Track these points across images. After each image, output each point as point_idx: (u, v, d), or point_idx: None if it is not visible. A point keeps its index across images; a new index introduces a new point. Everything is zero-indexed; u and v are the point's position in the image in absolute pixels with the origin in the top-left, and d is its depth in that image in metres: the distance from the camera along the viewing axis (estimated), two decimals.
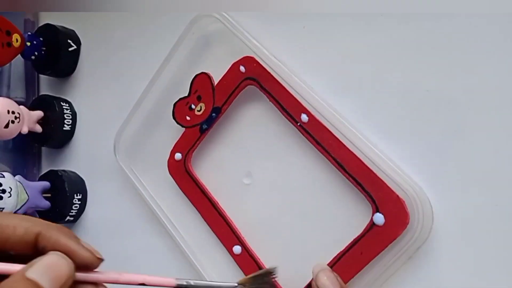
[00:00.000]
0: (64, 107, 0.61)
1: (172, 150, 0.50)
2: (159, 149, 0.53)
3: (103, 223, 0.58)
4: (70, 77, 0.64)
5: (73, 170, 0.61)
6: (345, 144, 0.39)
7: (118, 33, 0.59)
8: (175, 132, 0.50)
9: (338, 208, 0.41)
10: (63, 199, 0.58)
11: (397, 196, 0.36)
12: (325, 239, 0.42)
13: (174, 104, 0.48)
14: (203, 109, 0.47)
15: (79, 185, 0.60)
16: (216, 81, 0.47)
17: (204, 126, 0.48)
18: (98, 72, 0.61)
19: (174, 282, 0.34)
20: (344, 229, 0.40)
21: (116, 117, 0.56)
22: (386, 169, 0.37)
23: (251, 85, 0.46)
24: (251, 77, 0.45)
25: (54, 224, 0.33)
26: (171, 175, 0.50)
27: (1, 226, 0.32)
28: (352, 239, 0.39)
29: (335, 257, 0.40)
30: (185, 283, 0.34)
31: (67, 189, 0.58)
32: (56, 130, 0.60)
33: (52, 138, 0.61)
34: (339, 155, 0.40)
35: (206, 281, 0.39)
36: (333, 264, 0.40)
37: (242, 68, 0.45)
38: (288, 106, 0.43)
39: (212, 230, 0.48)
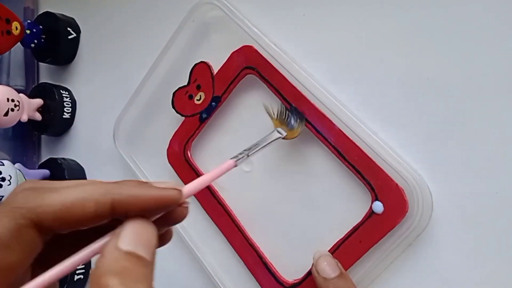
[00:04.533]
0: (63, 95, 0.61)
1: (171, 140, 0.50)
2: (159, 136, 0.52)
3: None
4: (69, 65, 0.64)
5: (73, 158, 0.61)
6: (344, 132, 0.39)
7: (118, 21, 0.59)
8: (175, 119, 0.50)
9: (338, 196, 0.41)
10: None
11: (396, 184, 0.36)
12: (325, 227, 0.42)
13: (174, 93, 0.48)
14: (203, 98, 0.47)
15: (78, 173, 0.60)
16: (216, 69, 0.46)
17: (204, 115, 0.48)
18: (98, 60, 0.61)
19: (233, 162, 0.35)
20: (344, 217, 0.40)
21: (116, 105, 0.56)
22: (386, 157, 0.37)
23: (250, 74, 0.45)
24: (250, 66, 0.45)
25: (118, 182, 0.30)
26: (170, 164, 0.50)
27: (64, 207, 0.28)
28: (351, 227, 0.39)
29: (334, 244, 0.40)
30: (242, 157, 0.36)
31: (66, 177, 0.58)
32: (56, 118, 0.60)
33: (51, 126, 0.61)
34: (338, 143, 0.40)
35: (257, 143, 0.39)
36: (332, 252, 0.40)
37: (241, 58, 0.45)
38: (287, 94, 0.42)
39: (211, 219, 0.48)
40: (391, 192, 0.37)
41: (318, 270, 0.39)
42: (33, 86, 0.63)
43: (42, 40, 0.61)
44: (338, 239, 0.40)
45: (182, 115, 0.48)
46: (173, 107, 0.48)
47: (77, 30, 0.63)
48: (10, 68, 0.64)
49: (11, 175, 0.53)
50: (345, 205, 0.41)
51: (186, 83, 0.48)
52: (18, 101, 0.56)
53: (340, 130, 0.39)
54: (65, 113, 0.61)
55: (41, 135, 0.66)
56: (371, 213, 0.38)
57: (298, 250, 0.43)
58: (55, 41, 0.61)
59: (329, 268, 0.38)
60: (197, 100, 0.47)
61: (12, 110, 0.55)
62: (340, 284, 0.38)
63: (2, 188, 0.52)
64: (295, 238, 0.43)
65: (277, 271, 0.43)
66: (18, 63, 0.64)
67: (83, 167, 0.61)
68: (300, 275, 0.42)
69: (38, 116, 0.60)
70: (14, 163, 0.55)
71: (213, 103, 0.47)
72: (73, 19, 0.63)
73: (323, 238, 0.41)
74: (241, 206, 0.47)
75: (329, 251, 0.40)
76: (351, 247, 0.39)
